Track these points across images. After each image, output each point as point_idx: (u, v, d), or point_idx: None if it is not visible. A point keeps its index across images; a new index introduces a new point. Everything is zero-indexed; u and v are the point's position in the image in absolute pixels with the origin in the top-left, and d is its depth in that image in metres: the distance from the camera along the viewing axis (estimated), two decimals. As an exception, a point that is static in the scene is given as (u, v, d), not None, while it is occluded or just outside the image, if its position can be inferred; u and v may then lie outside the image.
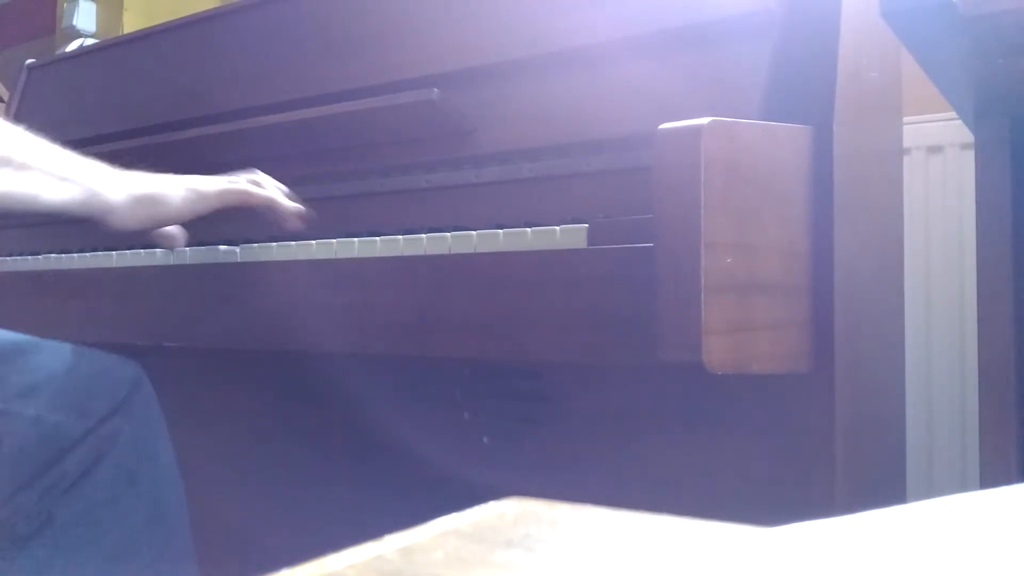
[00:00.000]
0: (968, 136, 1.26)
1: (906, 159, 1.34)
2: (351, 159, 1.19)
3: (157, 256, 1.13)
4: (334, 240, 0.96)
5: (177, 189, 1.00)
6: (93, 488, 0.91)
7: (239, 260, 1.04)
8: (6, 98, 1.85)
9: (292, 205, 1.08)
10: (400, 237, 0.92)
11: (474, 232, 0.87)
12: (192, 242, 1.12)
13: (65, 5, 2.47)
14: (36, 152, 0.89)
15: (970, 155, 1.24)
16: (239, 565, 1.25)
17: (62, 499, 0.89)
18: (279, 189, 1.10)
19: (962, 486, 1.36)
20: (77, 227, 1.27)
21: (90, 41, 2.04)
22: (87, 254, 1.21)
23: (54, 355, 0.94)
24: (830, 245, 0.83)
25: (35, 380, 0.90)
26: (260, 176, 1.09)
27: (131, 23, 2.47)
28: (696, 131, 0.71)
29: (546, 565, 0.29)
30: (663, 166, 0.72)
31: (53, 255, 1.28)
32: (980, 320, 0.86)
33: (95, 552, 0.90)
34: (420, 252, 0.89)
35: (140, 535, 0.94)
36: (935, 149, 1.41)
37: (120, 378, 0.96)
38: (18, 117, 1.76)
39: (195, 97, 1.42)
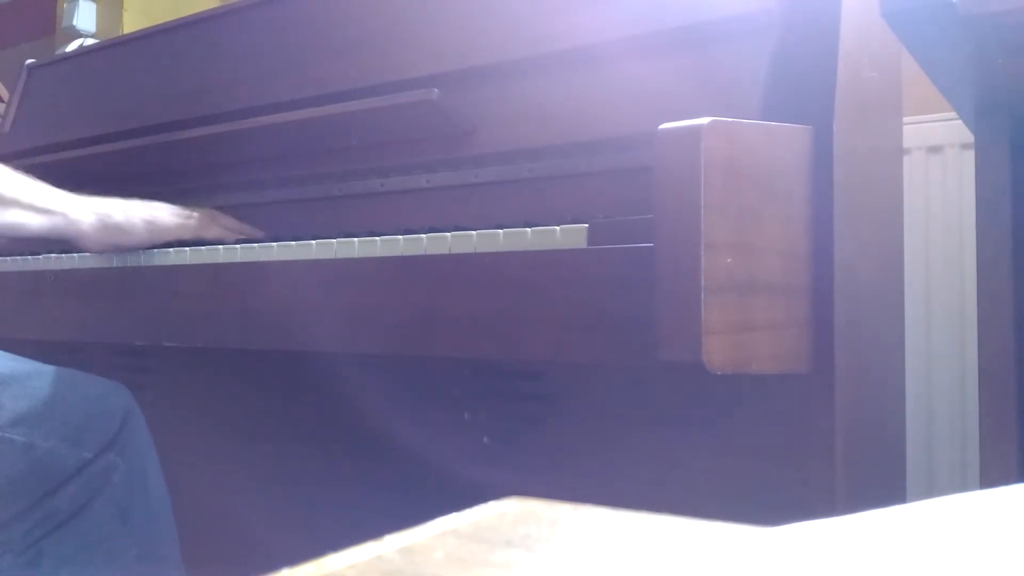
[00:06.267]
0: (968, 136, 1.26)
1: (906, 159, 1.34)
2: (351, 159, 1.19)
3: (157, 256, 1.12)
4: (334, 240, 0.96)
5: (140, 220, 1.10)
6: (86, 527, 0.89)
7: (239, 260, 1.04)
8: (6, 98, 1.85)
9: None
10: (400, 237, 0.92)
11: (474, 232, 0.87)
12: (191, 242, 1.12)
13: (65, 5, 2.47)
14: (19, 188, 1.04)
15: (970, 155, 1.25)
16: (239, 565, 1.25)
17: (53, 536, 0.87)
18: (232, 229, 1.17)
19: (962, 486, 1.36)
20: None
21: (90, 41, 2.04)
22: (87, 254, 1.21)
23: (46, 381, 0.93)
24: (830, 245, 0.83)
25: (27, 406, 0.89)
26: (218, 216, 1.17)
27: (131, 23, 2.47)
28: (696, 131, 0.71)
29: (546, 565, 0.29)
30: (663, 166, 0.72)
31: (53, 255, 1.28)
32: (980, 320, 0.86)
33: None
34: (420, 252, 0.89)
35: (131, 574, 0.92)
36: (935, 149, 1.41)
37: (113, 407, 0.96)
38: (18, 117, 1.76)
39: (195, 97, 1.42)
